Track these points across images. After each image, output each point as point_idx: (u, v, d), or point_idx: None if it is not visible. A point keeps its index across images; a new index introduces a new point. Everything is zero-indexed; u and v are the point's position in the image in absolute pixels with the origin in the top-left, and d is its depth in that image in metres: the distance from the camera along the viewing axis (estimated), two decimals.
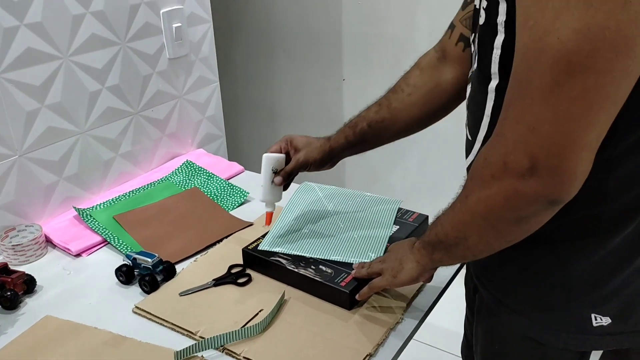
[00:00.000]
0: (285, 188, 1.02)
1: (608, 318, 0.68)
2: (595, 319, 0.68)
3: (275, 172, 0.99)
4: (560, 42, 0.50)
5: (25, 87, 1.12)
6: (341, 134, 0.99)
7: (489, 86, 0.66)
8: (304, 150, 0.99)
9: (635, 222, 0.65)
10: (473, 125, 0.73)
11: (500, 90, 0.61)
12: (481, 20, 0.65)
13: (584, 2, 0.49)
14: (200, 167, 1.43)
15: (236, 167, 1.47)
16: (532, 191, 0.56)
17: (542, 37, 0.51)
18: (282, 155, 1.00)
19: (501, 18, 0.60)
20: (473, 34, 0.72)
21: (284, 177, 0.99)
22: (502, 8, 0.60)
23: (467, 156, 0.77)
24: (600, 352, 0.72)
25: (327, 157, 0.99)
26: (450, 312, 1.44)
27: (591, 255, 0.67)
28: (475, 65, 0.70)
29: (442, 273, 0.99)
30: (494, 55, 0.63)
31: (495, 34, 0.62)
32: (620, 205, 0.64)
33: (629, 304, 0.68)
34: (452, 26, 0.91)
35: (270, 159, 0.98)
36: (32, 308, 0.98)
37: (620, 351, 0.71)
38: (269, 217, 1.03)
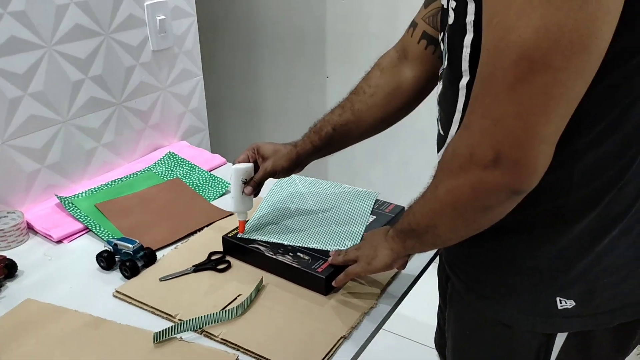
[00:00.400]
0: (255, 196, 1.04)
1: (572, 301, 0.71)
2: (560, 302, 0.72)
3: (245, 182, 1.01)
4: (522, 39, 0.53)
5: (8, 75, 1.13)
6: (307, 140, 1.01)
7: (460, 83, 0.69)
8: (271, 158, 1.00)
9: (596, 211, 0.68)
10: (445, 121, 0.76)
11: (471, 86, 0.64)
12: (450, 20, 0.68)
13: (545, 1, 0.51)
14: (183, 159, 1.45)
15: (218, 159, 1.49)
16: (496, 181, 0.59)
17: (506, 35, 0.54)
18: (251, 165, 1.01)
19: (470, 18, 0.63)
20: (442, 33, 0.75)
21: (254, 187, 1.01)
22: (471, 8, 0.63)
23: (438, 150, 0.80)
24: (565, 334, 0.75)
25: (294, 164, 1.01)
26: (423, 305, 1.48)
27: (556, 242, 0.70)
28: (445, 64, 0.74)
29: (415, 262, 1.03)
30: (464, 53, 0.66)
31: (465, 33, 0.65)
32: (582, 196, 0.68)
33: (591, 288, 0.71)
34: (414, 24, 0.93)
35: (239, 170, 1.00)
36: (12, 292, 0.99)
37: (583, 333, 0.75)
38: (242, 225, 1.05)
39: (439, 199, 0.67)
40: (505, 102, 0.56)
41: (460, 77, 0.68)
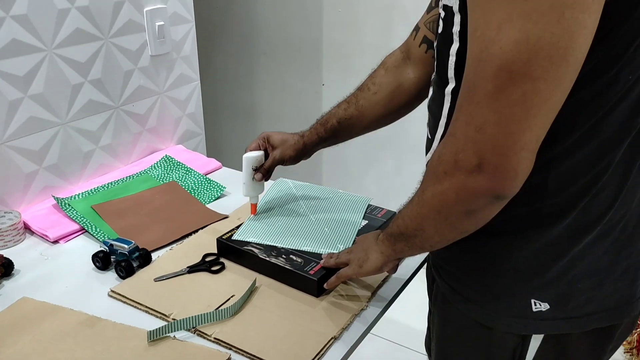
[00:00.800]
0: (266, 180, 1.11)
1: (546, 304, 0.73)
2: (535, 305, 0.74)
3: (255, 169, 1.08)
4: (503, 51, 0.56)
5: (9, 77, 1.15)
6: (313, 131, 1.07)
7: (446, 90, 0.72)
8: (279, 148, 1.07)
9: (571, 216, 0.70)
10: (433, 125, 0.79)
11: (456, 93, 0.66)
12: (440, 29, 0.72)
13: (523, 15, 0.54)
14: (179, 162, 1.47)
15: (214, 163, 1.51)
16: (479, 186, 0.61)
17: (488, 46, 0.57)
18: (261, 153, 1.08)
19: (456, 28, 0.66)
20: (435, 41, 0.78)
21: (263, 174, 1.09)
22: (457, 19, 0.66)
23: (426, 153, 0.83)
24: (542, 336, 0.77)
25: (301, 153, 1.08)
26: (414, 311, 1.50)
27: (532, 245, 0.73)
28: (435, 70, 0.76)
29: (406, 266, 1.05)
30: (450, 61, 0.69)
31: (451, 42, 0.68)
32: (558, 201, 0.70)
33: (566, 292, 0.73)
34: (417, 28, 0.97)
35: (249, 159, 1.07)
36: (9, 290, 1.00)
37: (559, 335, 0.76)
38: (254, 208, 1.15)
39: (426, 203, 0.69)
40: (487, 110, 0.58)
41: (447, 83, 0.71)
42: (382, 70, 1.02)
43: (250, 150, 1.09)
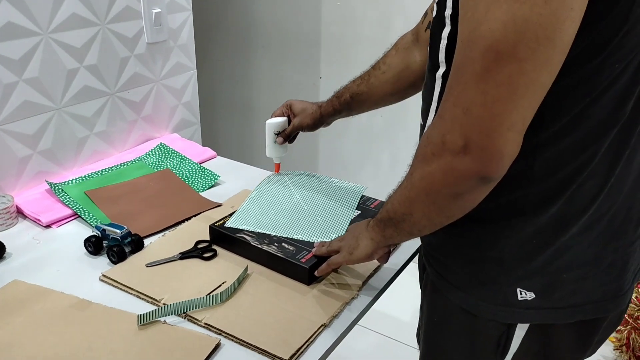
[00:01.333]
0: (290, 142, 1.22)
1: (532, 293, 0.73)
2: (520, 293, 0.74)
3: (277, 134, 1.19)
4: (490, 32, 0.56)
5: (4, 60, 1.15)
6: (329, 103, 1.15)
7: (437, 74, 0.72)
8: (299, 116, 1.18)
9: (556, 206, 0.70)
10: (425, 110, 0.79)
11: (446, 77, 0.66)
12: (434, 14, 0.72)
13: None
14: (174, 150, 1.47)
15: (209, 152, 1.51)
16: (466, 168, 0.61)
17: (476, 27, 0.57)
18: (284, 119, 1.20)
19: (448, 11, 0.67)
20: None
21: (284, 138, 1.20)
22: (449, 2, 0.66)
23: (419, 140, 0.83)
24: (527, 326, 0.77)
25: (319, 121, 1.17)
26: (409, 306, 1.50)
27: (517, 233, 0.72)
28: (428, 55, 0.77)
29: (398, 256, 1.06)
30: (441, 45, 0.70)
31: (443, 26, 0.68)
32: (542, 189, 0.70)
33: (552, 281, 0.73)
34: (425, 13, 1.00)
35: (270, 125, 1.19)
36: (0, 273, 1.00)
37: (544, 326, 0.76)
38: (277, 167, 1.27)
39: (414, 185, 0.70)
40: (473, 91, 0.58)
41: (438, 67, 0.71)
42: (393, 50, 1.07)
43: (275, 116, 1.19)
